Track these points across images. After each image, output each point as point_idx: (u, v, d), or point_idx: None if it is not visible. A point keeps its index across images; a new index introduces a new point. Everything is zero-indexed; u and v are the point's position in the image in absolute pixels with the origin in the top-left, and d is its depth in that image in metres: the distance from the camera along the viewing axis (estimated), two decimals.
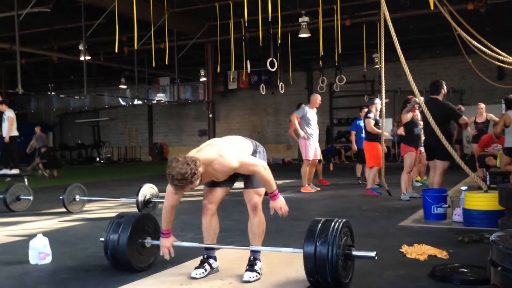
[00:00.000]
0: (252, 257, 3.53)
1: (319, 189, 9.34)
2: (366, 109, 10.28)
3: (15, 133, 10.18)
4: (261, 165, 3.35)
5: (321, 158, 10.29)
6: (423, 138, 7.51)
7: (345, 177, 12.06)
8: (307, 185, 9.22)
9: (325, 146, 21.51)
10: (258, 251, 3.56)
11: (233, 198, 7.16)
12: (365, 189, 8.59)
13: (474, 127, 10.45)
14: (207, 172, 3.29)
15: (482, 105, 10.44)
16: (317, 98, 9.35)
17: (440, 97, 6.81)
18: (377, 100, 8.71)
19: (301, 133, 9.13)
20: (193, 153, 3.30)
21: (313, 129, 9.27)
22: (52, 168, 14.75)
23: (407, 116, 7.87)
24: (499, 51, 9.20)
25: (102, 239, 3.70)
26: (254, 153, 3.57)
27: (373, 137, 8.56)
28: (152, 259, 3.81)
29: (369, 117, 8.61)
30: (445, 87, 6.91)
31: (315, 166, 9.59)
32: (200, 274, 3.51)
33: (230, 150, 3.36)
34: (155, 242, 3.73)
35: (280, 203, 3.42)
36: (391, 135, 13.83)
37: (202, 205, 3.62)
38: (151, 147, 26.90)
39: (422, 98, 6.59)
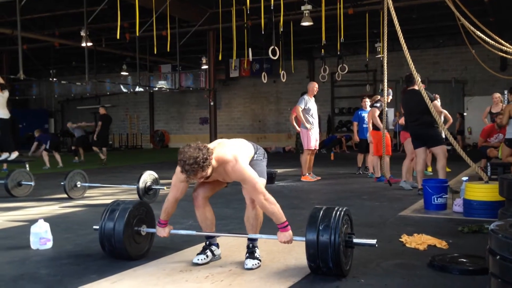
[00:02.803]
0: (251, 245, 3.53)
1: (320, 178, 9.36)
2: (367, 99, 10.28)
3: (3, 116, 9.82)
4: (263, 195, 3.23)
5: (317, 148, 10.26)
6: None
7: (346, 166, 12.07)
8: (307, 174, 9.23)
9: (326, 135, 21.52)
10: (256, 239, 3.56)
11: (233, 185, 7.13)
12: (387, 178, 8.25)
13: (490, 117, 9.88)
14: (218, 170, 3.27)
15: (498, 95, 9.93)
16: (315, 86, 9.36)
17: (416, 87, 6.80)
18: (390, 92, 8.58)
19: (308, 126, 9.09)
20: None
21: (314, 118, 9.26)
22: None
23: None
24: (502, 41, 9.17)
25: (96, 226, 3.69)
26: (254, 154, 3.56)
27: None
28: (147, 247, 3.77)
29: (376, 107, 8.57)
30: (419, 78, 6.89)
31: (314, 155, 9.58)
32: (202, 260, 3.52)
33: (245, 159, 3.33)
34: (151, 230, 3.72)
35: (286, 238, 3.30)
36: (393, 125, 13.78)
37: (193, 196, 3.59)
38: (152, 134, 26.90)
39: (422, 85, 6.58)
